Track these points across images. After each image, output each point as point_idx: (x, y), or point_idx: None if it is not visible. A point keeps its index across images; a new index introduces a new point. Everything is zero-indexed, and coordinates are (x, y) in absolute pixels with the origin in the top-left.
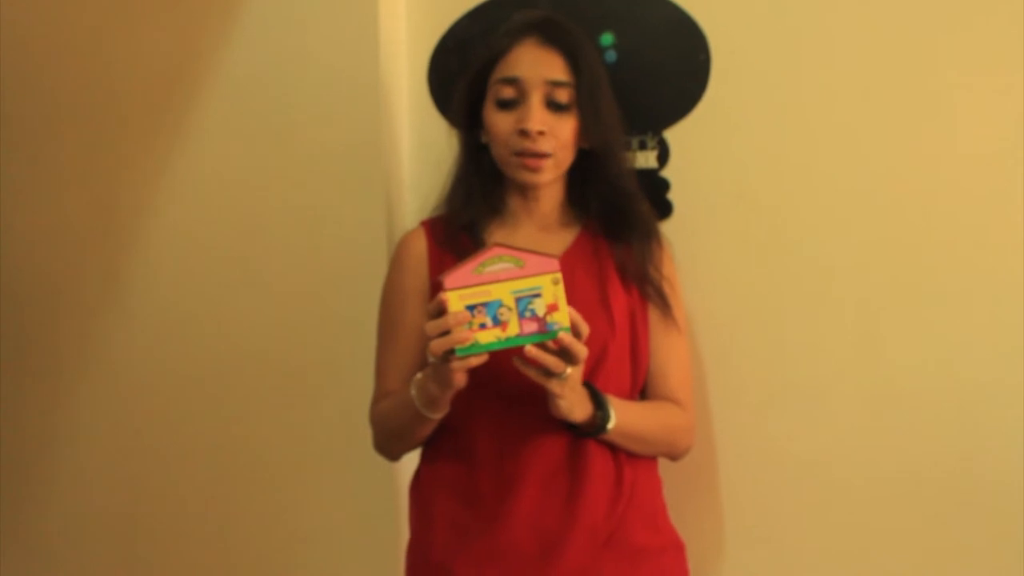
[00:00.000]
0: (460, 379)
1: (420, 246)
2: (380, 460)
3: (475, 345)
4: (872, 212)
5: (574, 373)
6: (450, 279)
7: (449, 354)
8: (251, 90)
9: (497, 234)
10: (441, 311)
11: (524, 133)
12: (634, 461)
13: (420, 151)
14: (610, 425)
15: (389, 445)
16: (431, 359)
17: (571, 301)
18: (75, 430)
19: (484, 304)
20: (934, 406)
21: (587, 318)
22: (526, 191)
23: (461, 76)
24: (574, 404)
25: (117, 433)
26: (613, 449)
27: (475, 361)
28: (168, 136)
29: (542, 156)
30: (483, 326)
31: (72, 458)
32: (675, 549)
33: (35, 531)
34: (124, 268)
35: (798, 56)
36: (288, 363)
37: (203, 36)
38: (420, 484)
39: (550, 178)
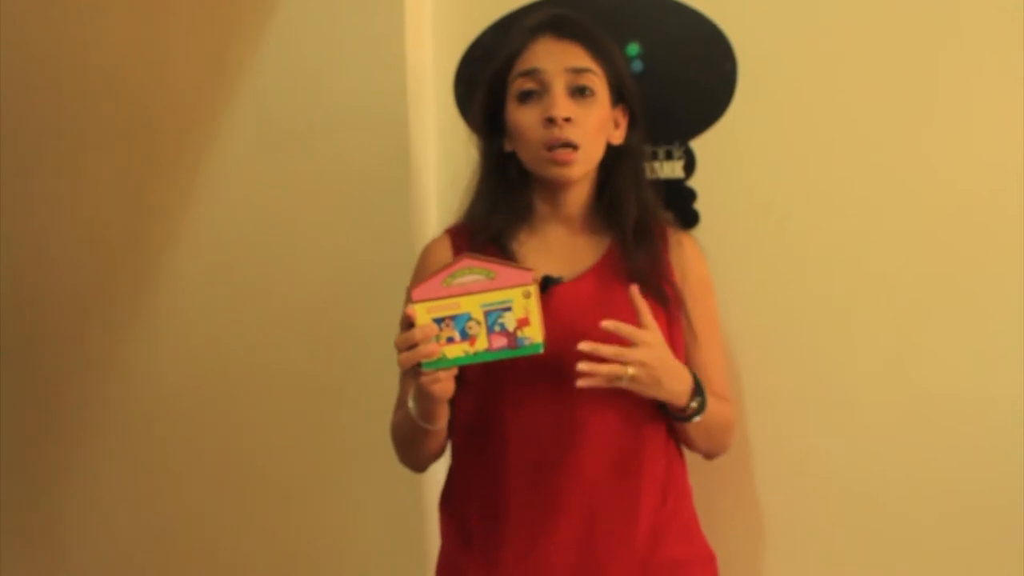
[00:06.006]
0: (439, 390)
1: (444, 253)
2: (408, 472)
3: (442, 359)
4: (903, 221)
5: (643, 364)
6: (418, 291)
7: (417, 367)
8: (279, 99)
9: (527, 242)
10: (409, 324)
11: (550, 121)
12: (673, 477)
13: (446, 159)
14: (703, 412)
15: (406, 456)
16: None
17: (610, 313)
18: (101, 435)
19: (452, 317)
20: (967, 415)
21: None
22: (555, 192)
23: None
24: (658, 387)
25: (142, 439)
26: (662, 462)
27: (443, 376)
28: (197, 146)
29: (571, 147)
30: (451, 340)
31: (98, 463)
32: (707, 561)
33: (62, 537)
34: (152, 274)
35: (824, 65)
36: (313, 371)
37: (232, 46)
38: (452, 497)
39: (581, 171)
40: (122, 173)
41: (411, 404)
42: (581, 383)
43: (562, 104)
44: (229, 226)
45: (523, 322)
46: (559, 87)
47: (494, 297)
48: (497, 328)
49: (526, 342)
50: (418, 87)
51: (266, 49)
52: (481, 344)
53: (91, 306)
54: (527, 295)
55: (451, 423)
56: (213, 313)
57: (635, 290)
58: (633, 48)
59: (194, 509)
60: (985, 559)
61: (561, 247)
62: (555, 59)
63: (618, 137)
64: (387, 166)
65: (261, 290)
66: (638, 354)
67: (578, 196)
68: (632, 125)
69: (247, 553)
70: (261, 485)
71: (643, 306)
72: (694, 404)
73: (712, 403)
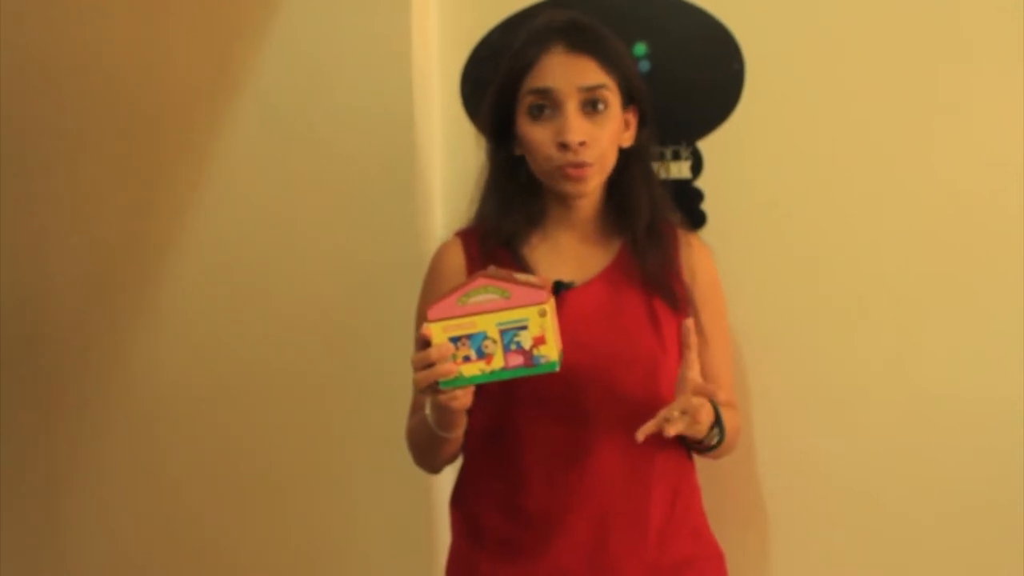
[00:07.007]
0: (457, 405)
1: (457, 257)
2: (414, 470)
3: (459, 378)
4: (908, 222)
5: (683, 411)
6: (434, 310)
7: (434, 386)
8: (284, 100)
9: (539, 247)
10: (425, 343)
11: (564, 146)
12: (684, 478)
13: (452, 159)
14: (721, 443)
15: (422, 460)
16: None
17: (620, 317)
18: (101, 435)
19: (468, 336)
20: (967, 415)
21: (636, 334)
22: (567, 199)
23: (490, 86)
24: (704, 428)
25: (142, 439)
26: (673, 465)
27: (460, 394)
28: (198, 146)
29: (585, 166)
30: (467, 359)
31: (98, 463)
32: (716, 559)
33: (62, 537)
34: (152, 274)
35: (832, 65)
36: (315, 372)
37: (236, 46)
38: (464, 497)
39: (596, 184)
40: (122, 173)
41: (428, 413)
42: (640, 436)
43: (576, 128)
44: (231, 226)
45: (539, 340)
46: (572, 107)
47: (510, 316)
48: (513, 346)
49: (542, 360)
50: (424, 86)
51: (269, 48)
52: (497, 362)
53: (91, 306)
54: (543, 313)
55: (466, 427)
56: (214, 313)
57: (690, 324)
58: (640, 48)
59: (194, 509)
60: (985, 559)
61: (572, 252)
62: (568, 77)
63: (628, 139)
64: (392, 166)
65: (263, 291)
66: (678, 407)
67: (590, 201)
68: (641, 125)
69: (247, 553)
70: (261, 485)
71: (693, 343)
72: (714, 436)
73: (726, 423)
